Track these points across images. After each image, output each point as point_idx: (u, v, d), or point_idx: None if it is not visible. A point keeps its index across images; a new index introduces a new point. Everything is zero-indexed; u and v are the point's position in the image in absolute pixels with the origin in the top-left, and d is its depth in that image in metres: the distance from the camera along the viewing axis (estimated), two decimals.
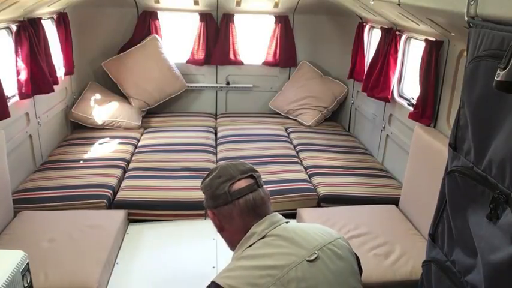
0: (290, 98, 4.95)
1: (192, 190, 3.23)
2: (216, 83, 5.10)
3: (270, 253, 1.30)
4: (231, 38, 4.87)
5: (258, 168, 3.64)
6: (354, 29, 4.39)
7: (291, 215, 3.13)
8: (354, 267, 1.40)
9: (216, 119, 5.00)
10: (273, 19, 4.90)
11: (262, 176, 1.51)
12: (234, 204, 1.39)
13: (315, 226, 1.47)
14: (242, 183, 1.41)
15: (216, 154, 4.03)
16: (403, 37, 3.50)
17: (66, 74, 4.19)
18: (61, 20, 4.01)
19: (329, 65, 5.11)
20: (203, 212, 3.06)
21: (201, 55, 4.90)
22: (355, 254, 1.46)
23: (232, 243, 1.45)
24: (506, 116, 1.29)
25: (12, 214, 2.80)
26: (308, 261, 1.28)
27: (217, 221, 1.45)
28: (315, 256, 1.30)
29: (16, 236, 2.58)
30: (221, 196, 1.40)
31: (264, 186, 1.47)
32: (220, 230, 1.48)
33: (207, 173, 1.50)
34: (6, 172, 2.71)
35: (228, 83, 5.09)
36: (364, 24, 4.27)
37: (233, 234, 1.43)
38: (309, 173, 3.58)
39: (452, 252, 1.64)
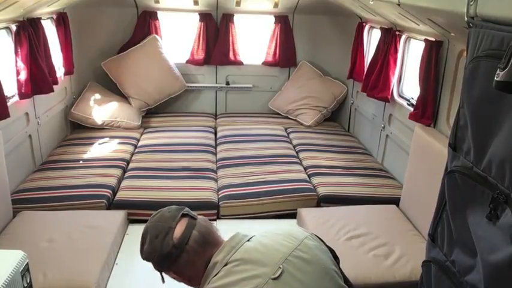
0: (290, 98, 4.95)
1: (192, 190, 3.24)
2: (216, 83, 5.09)
3: (235, 281, 1.27)
4: (230, 38, 4.87)
5: (258, 168, 3.67)
6: (353, 29, 4.39)
7: (291, 215, 3.15)
8: (327, 265, 1.35)
9: (215, 119, 4.99)
10: (273, 19, 4.90)
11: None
12: (187, 251, 1.35)
13: (279, 233, 1.41)
14: (181, 228, 1.36)
15: (215, 154, 4.03)
16: (403, 37, 3.50)
17: (66, 74, 4.18)
18: (61, 20, 4.01)
19: (329, 65, 5.11)
20: (203, 212, 3.05)
21: (200, 55, 4.90)
22: (329, 246, 1.43)
23: (200, 282, 1.39)
24: (506, 116, 1.29)
25: (12, 214, 2.80)
26: (273, 279, 1.25)
27: (182, 275, 1.41)
28: (280, 272, 1.26)
29: (16, 236, 2.58)
30: (171, 253, 1.34)
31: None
32: (189, 280, 1.43)
33: (140, 242, 1.43)
34: (4, 173, 2.70)
35: (227, 83, 5.09)
36: (364, 24, 4.27)
37: (199, 274, 1.38)
38: (308, 173, 3.58)
39: (452, 252, 1.64)
